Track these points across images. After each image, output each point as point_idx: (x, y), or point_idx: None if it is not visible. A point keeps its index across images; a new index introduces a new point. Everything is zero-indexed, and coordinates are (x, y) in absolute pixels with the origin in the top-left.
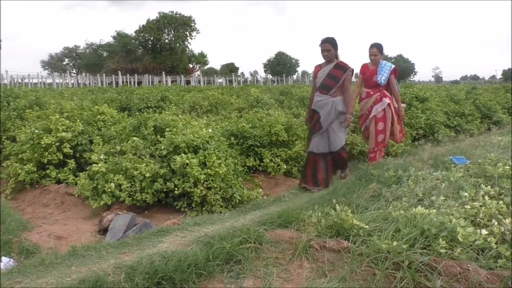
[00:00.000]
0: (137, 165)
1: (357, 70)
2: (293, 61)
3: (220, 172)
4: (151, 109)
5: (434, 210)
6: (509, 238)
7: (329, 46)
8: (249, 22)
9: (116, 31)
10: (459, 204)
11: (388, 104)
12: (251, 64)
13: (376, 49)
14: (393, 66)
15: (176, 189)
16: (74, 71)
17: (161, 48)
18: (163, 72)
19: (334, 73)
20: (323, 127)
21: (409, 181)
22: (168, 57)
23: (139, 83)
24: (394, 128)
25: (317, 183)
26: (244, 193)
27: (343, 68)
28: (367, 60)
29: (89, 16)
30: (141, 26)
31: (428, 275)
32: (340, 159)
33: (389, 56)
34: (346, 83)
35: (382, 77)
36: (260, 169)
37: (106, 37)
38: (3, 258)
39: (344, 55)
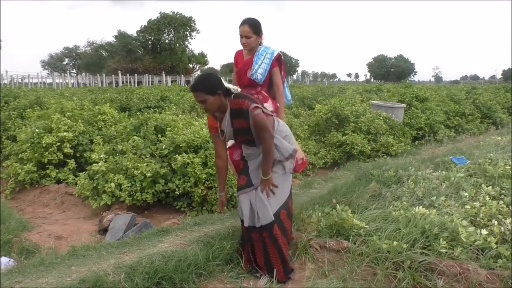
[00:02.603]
0: (138, 164)
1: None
2: (293, 61)
3: None
4: (151, 109)
5: (434, 210)
6: (509, 238)
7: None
8: None
9: (118, 30)
10: (459, 204)
11: (273, 112)
12: None
13: (249, 27)
14: (276, 51)
15: (177, 189)
16: (74, 71)
17: (161, 48)
18: (163, 72)
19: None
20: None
21: (409, 181)
22: (168, 57)
23: (139, 83)
24: None
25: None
26: None
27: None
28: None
29: (91, 16)
30: (142, 27)
31: (428, 275)
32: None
33: (388, 56)
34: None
35: (258, 70)
36: None
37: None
38: (3, 258)
39: (343, 56)
